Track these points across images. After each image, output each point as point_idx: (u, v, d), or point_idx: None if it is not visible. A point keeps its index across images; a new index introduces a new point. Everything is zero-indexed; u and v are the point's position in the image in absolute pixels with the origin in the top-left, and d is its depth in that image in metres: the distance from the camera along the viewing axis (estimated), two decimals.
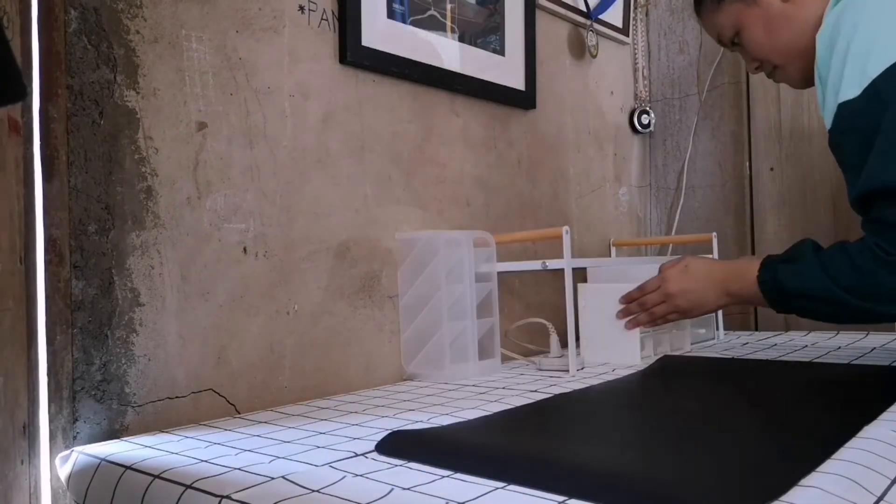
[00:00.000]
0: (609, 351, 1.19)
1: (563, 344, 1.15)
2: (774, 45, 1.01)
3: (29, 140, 0.74)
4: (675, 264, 1.12)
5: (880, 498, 0.51)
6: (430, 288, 1.08)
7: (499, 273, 1.14)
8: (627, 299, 1.16)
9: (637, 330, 1.16)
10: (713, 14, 1.07)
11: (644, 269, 1.36)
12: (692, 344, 1.35)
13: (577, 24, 1.58)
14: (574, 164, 1.56)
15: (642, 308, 1.14)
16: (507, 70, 1.34)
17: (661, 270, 1.13)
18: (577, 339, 1.14)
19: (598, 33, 1.62)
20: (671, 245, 1.72)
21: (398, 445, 0.67)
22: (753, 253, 1.64)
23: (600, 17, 1.62)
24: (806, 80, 1.02)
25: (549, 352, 1.18)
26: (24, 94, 0.53)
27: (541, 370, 1.12)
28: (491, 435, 0.71)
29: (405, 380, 1.11)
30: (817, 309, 0.92)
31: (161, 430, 0.80)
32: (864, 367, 1.03)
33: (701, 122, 1.75)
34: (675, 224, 1.77)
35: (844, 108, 0.86)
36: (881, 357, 1.11)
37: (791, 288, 0.93)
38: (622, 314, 1.17)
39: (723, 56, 1.70)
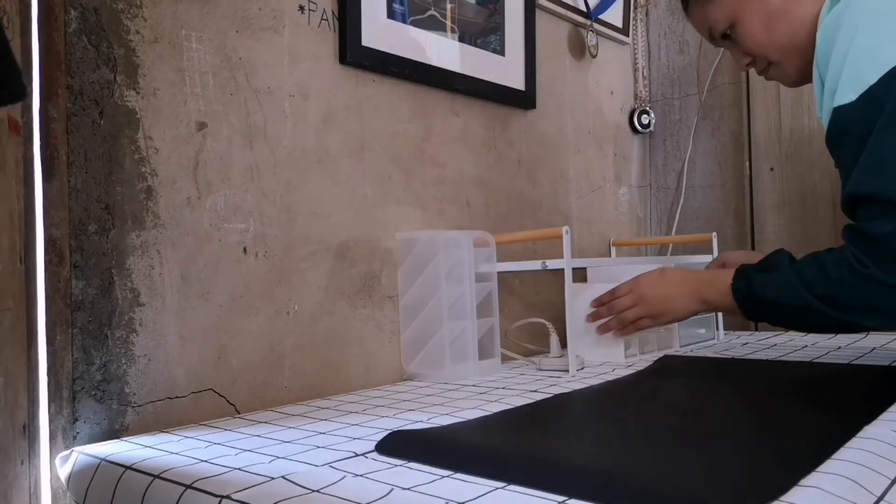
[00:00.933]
0: (594, 351, 1.19)
1: (563, 344, 1.15)
2: (772, 41, 0.99)
3: (29, 140, 0.74)
4: (652, 272, 1.10)
5: (880, 498, 0.51)
6: (430, 288, 1.08)
7: (499, 273, 1.14)
8: (598, 303, 1.14)
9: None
10: (705, 7, 1.03)
11: (643, 270, 1.36)
12: (692, 344, 1.35)
13: (577, 24, 1.58)
14: (574, 164, 1.56)
15: (611, 311, 1.12)
16: (507, 70, 1.34)
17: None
18: None
19: (598, 33, 1.62)
20: (671, 245, 1.72)
21: (398, 445, 0.67)
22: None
23: (600, 17, 1.62)
24: (802, 77, 1.01)
25: (549, 352, 1.18)
26: (23, 94, 0.53)
27: (541, 370, 1.12)
28: (491, 435, 0.71)
29: (405, 380, 1.11)
30: (791, 317, 0.92)
31: (161, 430, 0.80)
32: (864, 367, 1.03)
33: (701, 122, 1.75)
34: (675, 224, 1.77)
35: (840, 112, 0.86)
36: (881, 357, 1.11)
37: (765, 296, 0.92)
38: (591, 317, 1.15)
39: (723, 56, 1.70)
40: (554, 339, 1.17)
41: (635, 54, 1.80)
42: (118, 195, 0.81)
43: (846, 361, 1.08)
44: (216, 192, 0.90)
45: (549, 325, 1.17)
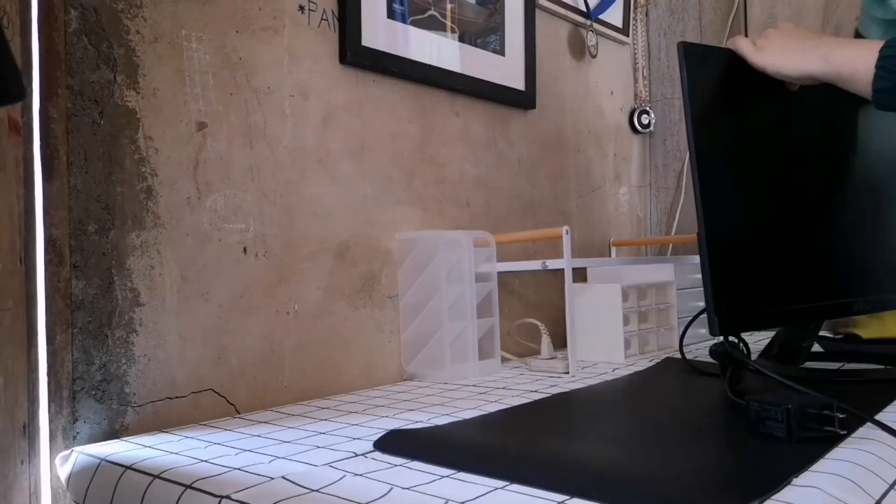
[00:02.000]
0: (594, 351, 1.19)
1: (563, 344, 1.15)
2: None
3: (29, 140, 0.74)
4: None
5: (880, 499, 0.51)
6: (430, 288, 1.08)
7: (499, 273, 1.14)
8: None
9: (622, 329, 1.16)
10: None
11: (643, 270, 1.36)
12: (692, 344, 1.34)
13: (577, 24, 1.58)
14: (574, 164, 1.56)
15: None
16: (507, 70, 1.34)
17: None
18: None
19: (598, 33, 1.62)
20: (671, 245, 1.72)
21: (396, 444, 0.67)
22: None
23: (600, 17, 1.62)
24: None
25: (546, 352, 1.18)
26: (23, 94, 0.53)
27: (531, 371, 1.12)
28: (490, 434, 0.71)
29: (405, 380, 1.11)
30: None
31: (161, 430, 0.80)
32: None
33: None
34: (675, 224, 1.77)
35: None
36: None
37: None
38: None
39: None
40: (545, 341, 1.17)
41: (635, 54, 1.80)
42: (118, 195, 0.81)
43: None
44: (216, 192, 0.90)
45: (542, 326, 1.17)
